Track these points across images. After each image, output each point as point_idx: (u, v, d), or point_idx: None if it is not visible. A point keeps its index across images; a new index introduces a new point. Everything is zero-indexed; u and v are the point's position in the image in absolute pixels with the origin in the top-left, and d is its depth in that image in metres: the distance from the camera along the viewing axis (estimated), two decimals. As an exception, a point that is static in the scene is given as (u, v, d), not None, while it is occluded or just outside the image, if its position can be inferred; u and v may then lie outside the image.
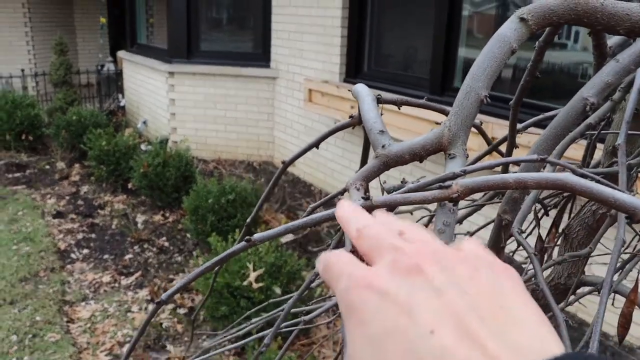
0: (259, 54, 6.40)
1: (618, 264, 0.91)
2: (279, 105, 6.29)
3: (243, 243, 0.51)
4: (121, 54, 8.46)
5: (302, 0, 5.60)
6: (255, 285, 2.97)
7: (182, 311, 3.62)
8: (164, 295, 0.59)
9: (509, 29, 0.57)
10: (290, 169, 6.01)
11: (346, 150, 5.24)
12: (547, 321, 0.29)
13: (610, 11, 0.55)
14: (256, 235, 0.51)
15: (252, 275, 3.00)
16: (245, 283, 2.99)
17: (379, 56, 5.21)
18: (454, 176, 0.49)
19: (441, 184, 0.48)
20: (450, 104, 0.56)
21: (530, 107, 3.45)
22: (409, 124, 4.03)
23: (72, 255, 4.36)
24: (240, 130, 6.55)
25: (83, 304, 3.71)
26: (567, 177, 0.43)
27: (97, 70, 9.61)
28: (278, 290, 3.01)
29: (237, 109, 6.48)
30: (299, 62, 5.80)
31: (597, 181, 0.53)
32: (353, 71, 5.24)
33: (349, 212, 0.39)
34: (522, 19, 0.57)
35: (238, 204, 4.20)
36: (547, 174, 0.44)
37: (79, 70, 9.18)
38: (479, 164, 0.52)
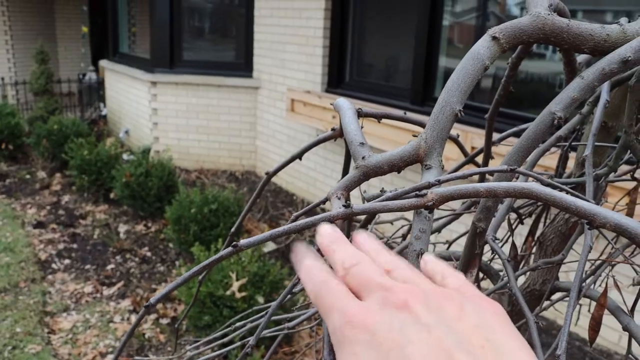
0: (241, 64, 6.43)
1: (590, 270, 0.95)
2: (261, 115, 6.32)
3: (230, 248, 0.53)
4: (103, 63, 8.44)
5: (284, 11, 5.64)
6: (238, 295, 2.98)
7: (164, 321, 3.61)
8: (152, 299, 0.61)
9: (482, 47, 0.60)
10: (272, 179, 6.03)
11: (328, 160, 5.27)
12: (531, 351, 0.31)
13: (575, 32, 0.59)
14: (243, 241, 0.53)
15: (235, 285, 3.01)
16: (228, 292, 3.00)
17: (360, 66, 5.27)
18: (429, 185, 0.52)
19: (417, 192, 0.51)
20: (430, 114, 0.59)
21: (509, 117, 3.52)
22: (389, 134, 4.08)
23: (53, 266, 4.32)
24: (222, 140, 6.56)
25: (64, 314, 3.68)
26: (533, 186, 0.46)
27: (78, 79, 9.56)
28: (261, 300, 3.02)
29: (220, 118, 6.49)
30: (281, 72, 5.83)
31: (566, 191, 0.57)
32: (335, 81, 5.29)
33: (330, 240, 0.40)
34: (494, 38, 0.60)
35: (221, 214, 4.21)
36: (515, 183, 0.48)
37: (60, 79, 9.12)
38: (452, 174, 0.55)
